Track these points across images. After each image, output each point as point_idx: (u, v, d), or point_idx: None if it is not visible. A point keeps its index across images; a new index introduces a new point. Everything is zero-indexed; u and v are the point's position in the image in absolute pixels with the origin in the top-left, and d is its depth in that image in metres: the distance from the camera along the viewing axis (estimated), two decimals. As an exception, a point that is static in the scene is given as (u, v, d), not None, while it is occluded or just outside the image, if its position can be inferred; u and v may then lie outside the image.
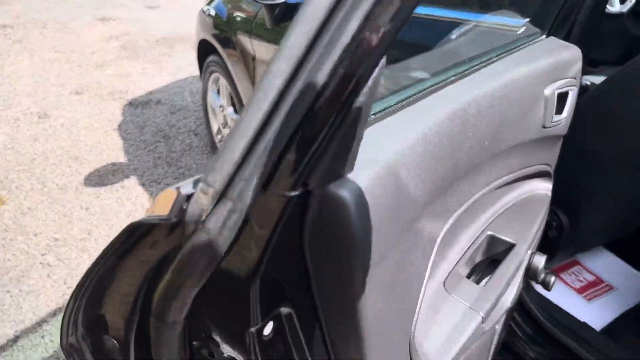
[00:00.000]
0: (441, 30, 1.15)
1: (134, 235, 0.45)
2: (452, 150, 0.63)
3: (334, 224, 0.48)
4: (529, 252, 1.05)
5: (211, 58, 2.71)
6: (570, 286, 1.78)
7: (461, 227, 0.98)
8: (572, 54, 1.04)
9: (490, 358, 1.23)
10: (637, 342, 1.49)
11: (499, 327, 1.19)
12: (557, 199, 1.51)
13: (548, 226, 1.54)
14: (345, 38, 0.40)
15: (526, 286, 1.48)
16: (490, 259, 1.02)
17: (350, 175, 0.49)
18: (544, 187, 1.13)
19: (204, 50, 2.79)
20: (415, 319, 0.67)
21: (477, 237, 1.01)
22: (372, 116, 0.59)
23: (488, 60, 0.85)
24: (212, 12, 2.67)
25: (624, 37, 2.53)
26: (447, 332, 0.83)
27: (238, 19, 2.39)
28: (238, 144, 0.42)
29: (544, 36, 1.09)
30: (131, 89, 3.66)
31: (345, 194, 0.47)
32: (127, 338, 0.50)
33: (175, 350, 0.49)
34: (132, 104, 3.47)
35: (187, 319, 0.50)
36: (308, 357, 0.56)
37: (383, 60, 0.44)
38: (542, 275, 1.14)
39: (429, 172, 0.59)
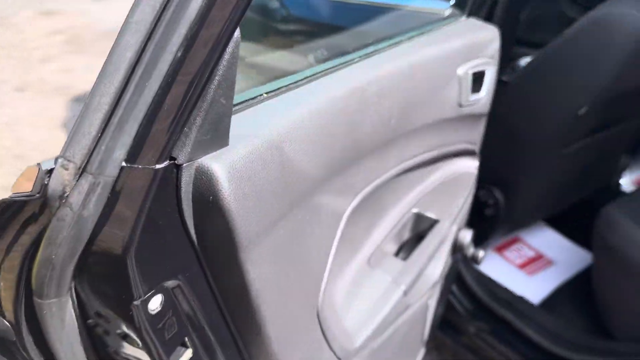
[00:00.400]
0: (362, 13, 1.16)
1: (6, 214, 0.44)
2: (350, 127, 0.64)
3: (207, 197, 0.49)
4: (454, 227, 1.07)
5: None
6: (512, 262, 1.84)
7: (386, 205, 1.00)
8: (489, 33, 1.07)
9: (426, 333, 1.26)
10: (571, 313, 1.55)
11: (432, 303, 1.22)
12: (492, 178, 1.55)
13: (485, 204, 1.59)
14: (192, 9, 0.40)
15: (465, 264, 1.52)
16: (417, 236, 1.05)
17: (225, 149, 0.50)
18: (469, 166, 1.16)
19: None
20: (322, 291, 0.68)
21: (404, 215, 1.03)
22: (264, 95, 0.59)
23: (399, 41, 0.87)
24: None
25: (561, 20, 2.61)
26: (368, 306, 0.85)
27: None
28: (94, 117, 0.42)
29: (464, 17, 1.12)
30: (76, 84, 3.56)
31: (215, 166, 0.48)
32: (18, 319, 0.50)
33: (66, 329, 0.49)
34: (77, 99, 3.38)
35: (76, 297, 0.49)
36: (206, 330, 0.57)
37: (237, 32, 0.44)
38: (471, 250, 1.17)
39: (323, 148, 0.60)
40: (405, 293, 0.89)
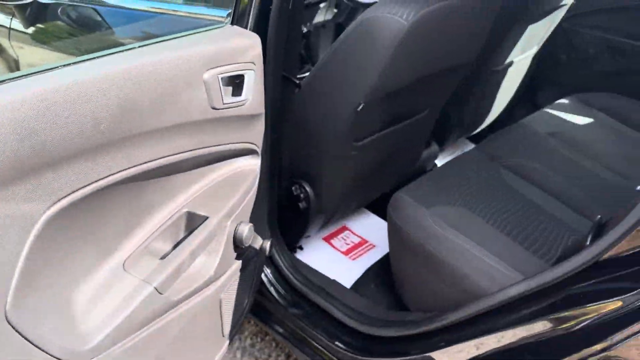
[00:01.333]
0: (130, 18, 1.21)
1: None
2: (25, 135, 0.67)
3: None
4: (229, 222, 1.14)
5: (-20, 64, 2.51)
6: (338, 250, 1.97)
7: (151, 207, 1.04)
8: (248, 41, 1.14)
9: (226, 325, 1.32)
10: (377, 291, 1.70)
11: (229, 296, 1.29)
12: (301, 173, 1.66)
13: (298, 199, 1.69)
14: None
15: (282, 254, 1.61)
16: (190, 234, 1.10)
17: None
18: (248, 164, 1.23)
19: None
20: (10, 294, 0.70)
21: (173, 215, 1.08)
22: None
23: (129, 48, 0.91)
24: (-25, 14, 2.47)
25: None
26: (113, 306, 0.89)
27: (-5, 20, 2.24)
28: None
29: (227, 25, 1.19)
30: None
31: None
32: None
33: None
34: None
35: None
36: None
37: None
38: (258, 242, 1.25)
39: None
40: (159, 290, 0.94)
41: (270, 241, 1.26)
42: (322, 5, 2.21)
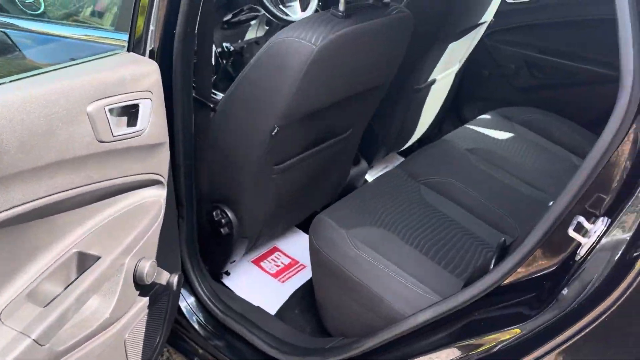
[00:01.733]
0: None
1: None
2: None
3: None
4: (127, 260, 1.08)
5: None
6: (268, 272, 1.93)
7: (34, 250, 0.97)
8: (144, 68, 1.10)
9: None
10: (298, 316, 1.66)
11: (134, 335, 1.23)
12: (222, 198, 1.61)
13: (219, 224, 1.64)
14: None
15: (202, 282, 1.55)
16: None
17: None
18: (151, 195, 1.18)
19: None
20: None
21: (61, 257, 1.02)
22: None
23: (10, 81, 0.86)
24: None
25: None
26: None
27: None
28: None
29: (123, 52, 1.14)
30: None
31: None
32: None
33: None
34: None
35: None
36: None
37: None
38: (164, 277, 1.20)
39: None
40: (40, 342, 0.88)
41: (179, 275, 1.21)
42: (253, 22, 2.18)
